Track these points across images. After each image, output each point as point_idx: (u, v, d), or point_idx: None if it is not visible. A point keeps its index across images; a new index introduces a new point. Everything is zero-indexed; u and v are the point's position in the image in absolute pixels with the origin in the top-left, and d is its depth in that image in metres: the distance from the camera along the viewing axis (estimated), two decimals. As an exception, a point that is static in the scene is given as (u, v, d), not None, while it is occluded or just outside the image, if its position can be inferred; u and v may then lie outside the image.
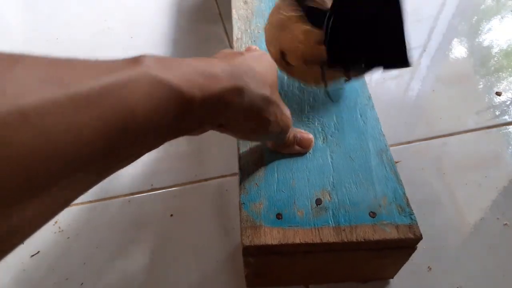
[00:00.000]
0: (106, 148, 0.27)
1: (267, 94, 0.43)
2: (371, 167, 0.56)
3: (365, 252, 0.52)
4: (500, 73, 0.94)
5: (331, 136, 0.59)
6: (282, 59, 0.55)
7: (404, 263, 0.57)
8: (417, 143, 0.82)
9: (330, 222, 0.51)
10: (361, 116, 0.62)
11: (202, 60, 0.38)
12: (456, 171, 0.77)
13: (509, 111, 0.86)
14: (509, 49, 1.00)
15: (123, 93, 0.28)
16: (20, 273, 0.65)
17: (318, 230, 0.50)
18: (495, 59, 0.97)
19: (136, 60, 0.31)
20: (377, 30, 0.47)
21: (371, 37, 0.48)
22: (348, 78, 0.54)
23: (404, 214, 0.51)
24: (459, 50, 1.00)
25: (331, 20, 0.48)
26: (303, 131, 0.58)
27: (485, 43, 1.02)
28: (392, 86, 0.92)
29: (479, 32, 1.05)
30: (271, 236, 0.50)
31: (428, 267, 0.65)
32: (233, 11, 0.77)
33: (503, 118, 0.85)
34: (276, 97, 0.45)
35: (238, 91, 0.39)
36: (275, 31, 0.55)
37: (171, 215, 0.72)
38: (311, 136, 0.58)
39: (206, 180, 0.77)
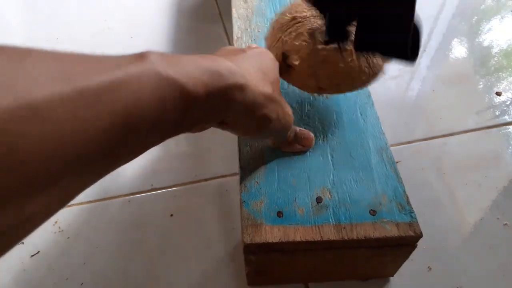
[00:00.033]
0: (112, 144, 0.28)
1: (269, 92, 0.43)
2: (371, 165, 0.56)
3: (366, 250, 0.52)
4: (500, 73, 0.94)
5: (331, 134, 0.59)
6: (283, 61, 0.54)
7: (404, 261, 0.57)
8: (417, 143, 0.82)
9: (330, 220, 0.51)
10: (361, 114, 0.62)
11: (205, 57, 0.38)
12: (456, 171, 0.77)
13: (509, 111, 0.86)
14: (509, 49, 1.00)
15: (130, 88, 0.28)
16: (20, 273, 0.65)
17: (319, 228, 0.50)
18: (495, 59, 0.97)
19: (141, 56, 0.31)
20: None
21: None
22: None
23: (404, 212, 0.52)
24: (459, 50, 1.00)
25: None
26: (304, 129, 0.58)
27: (485, 43, 1.02)
28: (392, 86, 0.92)
29: (479, 32, 1.05)
30: (272, 234, 0.50)
31: (428, 267, 0.65)
32: (233, 10, 0.77)
33: (503, 118, 0.85)
34: (278, 95, 0.45)
35: (240, 88, 0.39)
36: (278, 33, 0.55)
37: (171, 215, 0.72)
38: (311, 134, 0.58)
39: (206, 180, 0.77)
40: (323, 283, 0.63)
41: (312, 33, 0.51)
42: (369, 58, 0.52)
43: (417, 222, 0.51)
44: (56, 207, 0.27)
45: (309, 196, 0.53)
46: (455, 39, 1.03)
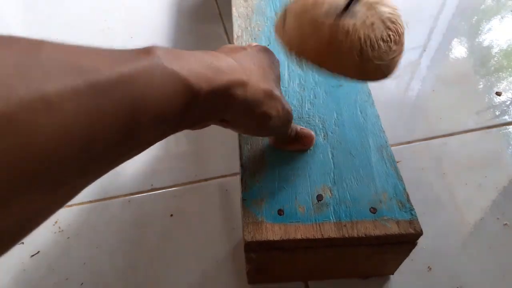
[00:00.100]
0: (118, 138, 0.28)
1: (269, 88, 0.43)
2: (372, 163, 0.56)
3: (366, 248, 0.52)
4: (500, 73, 0.94)
5: (331, 132, 0.59)
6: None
7: (405, 258, 0.57)
8: (417, 143, 0.82)
9: (331, 218, 0.51)
10: (361, 112, 0.62)
11: (208, 53, 0.39)
12: (456, 171, 0.77)
13: (509, 111, 0.86)
14: (509, 49, 1.00)
15: (138, 82, 0.28)
16: (20, 273, 0.65)
17: (319, 225, 0.50)
18: (495, 59, 0.97)
19: (148, 51, 0.31)
20: None
21: None
22: None
23: (404, 209, 0.52)
24: (459, 50, 1.00)
25: None
26: (304, 128, 0.58)
27: (485, 43, 1.02)
28: (392, 86, 0.92)
29: (479, 32, 1.05)
30: (273, 232, 0.49)
31: (428, 267, 0.65)
32: (233, 9, 0.77)
33: (503, 118, 0.85)
34: (278, 92, 0.46)
35: (241, 84, 0.39)
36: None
37: (171, 215, 0.72)
38: (312, 133, 0.58)
39: (206, 180, 0.77)
40: (323, 281, 0.63)
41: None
42: (366, 47, 0.48)
43: (417, 219, 0.51)
44: (60, 203, 0.27)
45: (310, 194, 0.53)
46: (455, 39, 1.03)
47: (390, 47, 0.46)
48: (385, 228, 0.50)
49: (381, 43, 0.45)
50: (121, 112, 0.27)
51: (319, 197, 0.53)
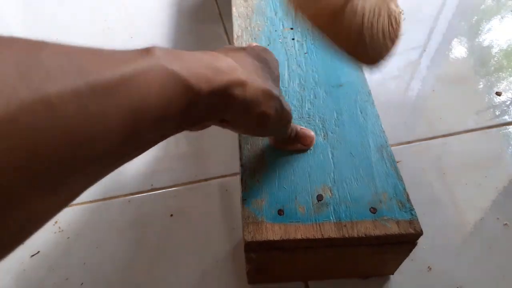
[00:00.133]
0: (119, 139, 0.28)
1: (268, 88, 0.43)
2: (372, 163, 0.56)
3: (366, 248, 0.52)
4: (500, 73, 0.94)
5: (331, 132, 0.59)
6: None
7: (405, 258, 0.57)
8: (417, 143, 0.82)
9: (331, 218, 0.51)
10: (361, 112, 0.62)
11: (207, 54, 0.39)
12: (456, 171, 0.77)
13: (509, 111, 0.86)
14: (509, 49, 1.00)
15: (138, 83, 0.28)
16: (20, 273, 0.65)
17: (319, 225, 0.50)
18: (495, 59, 0.97)
19: (147, 51, 0.31)
20: None
21: None
22: None
23: (404, 209, 0.52)
24: (459, 50, 1.00)
25: None
26: (304, 128, 0.58)
27: (485, 43, 1.02)
28: (392, 86, 0.92)
29: (479, 32, 1.05)
30: (273, 232, 0.49)
31: (428, 267, 0.65)
32: (233, 9, 0.77)
33: (503, 118, 0.85)
34: (278, 92, 0.46)
35: (240, 84, 0.39)
36: None
37: (171, 215, 0.72)
38: (312, 133, 0.58)
39: (206, 180, 0.77)
40: (323, 281, 0.63)
41: None
42: (366, 33, 0.45)
43: (417, 219, 0.51)
44: (61, 205, 0.27)
45: (310, 194, 0.53)
46: (455, 39, 1.03)
47: (386, 43, 0.46)
48: (385, 228, 0.50)
49: (380, 35, 0.45)
50: (122, 113, 0.27)
51: (319, 197, 0.53)
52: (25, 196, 0.23)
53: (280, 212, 0.51)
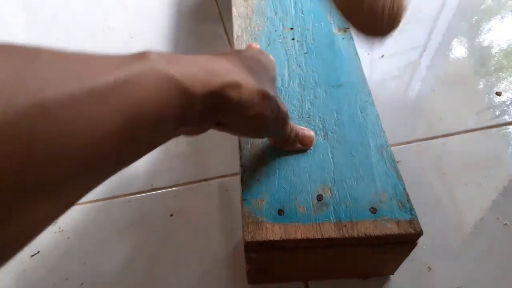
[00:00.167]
0: (117, 144, 0.28)
1: (264, 89, 0.43)
2: (372, 163, 0.56)
3: (366, 248, 0.52)
4: (500, 73, 0.94)
5: (331, 132, 0.59)
6: None
7: (405, 258, 0.57)
8: (417, 143, 0.82)
9: (331, 218, 0.51)
10: (361, 112, 0.62)
11: (202, 57, 0.39)
12: (456, 171, 0.77)
13: (509, 111, 0.86)
14: (509, 49, 1.00)
15: (134, 87, 0.29)
16: (20, 273, 0.65)
17: (319, 225, 0.50)
18: (495, 59, 0.97)
19: (142, 56, 0.31)
20: None
21: None
22: None
23: (404, 209, 0.52)
24: (459, 50, 1.00)
25: None
26: (304, 128, 0.58)
27: (485, 43, 1.02)
28: (392, 86, 0.92)
29: (479, 32, 1.05)
30: (273, 232, 0.50)
31: (428, 267, 0.65)
32: (233, 9, 0.77)
33: (503, 118, 0.85)
34: (274, 93, 0.46)
35: (236, 86, 0.39)
36: None
37: (171, 215, 0.72)
38: (312, 133, 0.58)
39: (206, 180, 0.77)
40: (323, 281, 0.63)
41: None
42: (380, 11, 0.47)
43: (417, 219, 0.51)
44: (61, 210, 0.27)
45: (310, 194, 0.53)
46: (455, 39, 1.03)
47: (395, 13, 0.47)
48: (385, 228, 0.50)
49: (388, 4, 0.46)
50: (119, 116, 0.27)
51: (319, 197, 0.53)
52: (24, 201, 0.23)
53: (280, 212, 0.51)
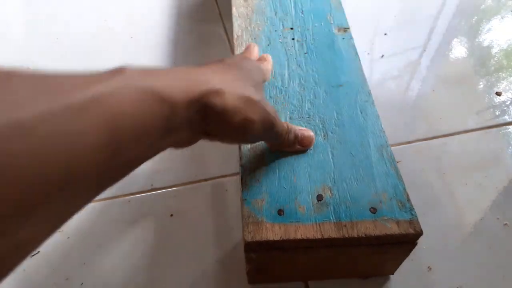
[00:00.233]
0: (104, 157, 0.28)
1: (247, 94, 0.43)
2: (372, 163, 0.56)
3: (366, 248, 0.52)
4: (500, 73, 0.94)
5: (331, 132, 0.59)
6: None
7: (405, 258, 0.57)
8: (417, 143, 0.82)
9: (331, 218, 0.51)
10: (361, 112, 0.62)
11: (182, 68, 0.40)
12: (456, 171, 0.77)
13: (509, 111, 0.86)
14: (509, 49, 1.00)
15: (111, 101, 0.29)
16: (20, 273, 0.65)
17: (319, 225, 0.50)
18: (495, 59, 0.97)
19: (118, 71, 0.32)
20: None
21: None
22: None
23: (404, 209, 0.51)
24: (459, 50, 1.00)
25: None
26: (304, 128, 0.58)
27: (485, 43, 1.02)
28: (392, 86, 0.92)
29: (479, 32, 1.05)
30: (273, 232, 0.49)
31: (428, 267, 0.65)
32: (233, 9, 0.77)
33: (503, 118, 0.85)
34: (259, 97, 0.45)
35: (217, 93, 0.39)
36: None
37: (171, 215, 0.72)
38: (311, 133, 0.58)
39: (206, 180, 0.77)
40: (323, 281, 0.63)
41: None
42: None
43: (417, 219, 0.51)
44: (48, 231, 0.27)
45: (310, 194, 0.53)
46: (455, 39, 1.03)
47: None
48: (385, 228, 0.50)
49: None
50: (100, 130, 0.27)
51: (319, 197, 0.53)
52: (5, 222, 0.23)
53: (280, 212, 0.51)
